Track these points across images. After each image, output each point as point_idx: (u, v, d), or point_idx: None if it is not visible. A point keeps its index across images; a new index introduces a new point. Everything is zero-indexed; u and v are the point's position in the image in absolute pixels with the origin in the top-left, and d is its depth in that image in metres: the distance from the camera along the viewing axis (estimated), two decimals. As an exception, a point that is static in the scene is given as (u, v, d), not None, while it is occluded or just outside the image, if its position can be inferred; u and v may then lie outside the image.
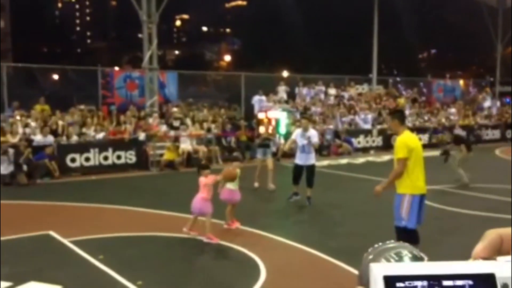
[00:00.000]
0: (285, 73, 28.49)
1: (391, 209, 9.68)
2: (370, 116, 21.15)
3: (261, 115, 18.35)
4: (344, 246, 7.30)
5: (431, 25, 50.76)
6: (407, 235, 5.62)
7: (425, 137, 22.14)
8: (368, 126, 20.63)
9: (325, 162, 16.68)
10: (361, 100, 23.07)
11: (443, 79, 29.57)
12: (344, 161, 17.22)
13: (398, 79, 29.55)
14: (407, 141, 5.82)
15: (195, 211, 7.36)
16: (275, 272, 6.15)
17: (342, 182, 13.43)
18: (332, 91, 23.44)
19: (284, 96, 21.71)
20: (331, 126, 19.60)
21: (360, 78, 26.32)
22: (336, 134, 19.25)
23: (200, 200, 7.31)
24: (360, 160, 17.62)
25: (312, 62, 45.36)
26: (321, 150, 18.59)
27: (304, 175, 10.09)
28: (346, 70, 28.82)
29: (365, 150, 19.72)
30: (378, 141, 20.45)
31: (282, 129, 17.80)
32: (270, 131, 17.53)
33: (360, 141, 19.94)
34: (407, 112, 22.89)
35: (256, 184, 11.58)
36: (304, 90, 22.87)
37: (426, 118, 23.43)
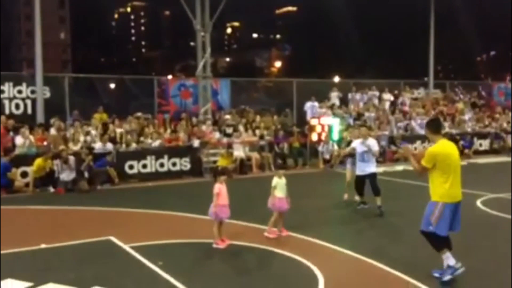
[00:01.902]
0: (336, 79, 28.17)
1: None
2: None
3: (313, 122, 18.23)
4: (404, 256, 7.08)
5: (489, 26, 48.75)
6: (437, 240, 5.95)
7: (486, 143, 21.24)
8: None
9: (381, 169, 16.21)
10: (417, 105, 22.41)
11: (504, 82, 28.25)
12: (400, 167, 16.75)
13: (456, 82, 28.48)
14: (437, 151, 5.93)
15: (218, 216, 7.41)
16: (333, 283, 6.03)
17: (399, 189, 13.06)
18: (387, 96, 22.92)
19: (337, 102, 21.45)
20: (386, 132, 19.15)
21: (416, 82, 25.62)
22: (391, 140, 18.78)
23: (218, 206, 7.35)
24: (418, 166, 17.05)
25: (365, 67, 44.68)
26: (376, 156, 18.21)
27: (368, 184, 9.96)
28: (400, 74, 28.10)
29: (422, 156, 19.09)
30: (436, 147, 19.75)
31: (335, 136, 17.58)
32: (323, 137, 17.40)
33: (416, 147, 19.36)
34: (466, 117, 22.06)
35: (345, 196, 11.09)
36: (357, 96, 22.50)
37: (486, 123, 22.44)
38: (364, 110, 21.00)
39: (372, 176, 9.90)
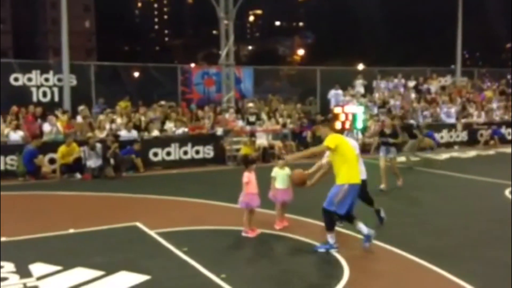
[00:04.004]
0: (360, 66, 27.84)
1: (478, 208, 9.20)
2: (453, 110, 20.14)
3: (337, 110, 18.04)
4: (430, 246, 6.99)
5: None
6: (331, 221, 6.72)
7: (515, 132, 20.74)
8: (451, 120, 19.66)
9: (403, 158, 16.08)
10: (444, 93, 21.99)
11: (534, 69, 27.46)
12: (426, 157, 16.50)
13: (483, 70, 27.81)
14: (336, 136, 6.84)
15: (248, 205, 7.40)
16: (359, 272, 5.99)
17: (424, 179, 12.87)
18: (412, 83, 22.55)
19: (361, 90, 21.20)
20: (412, 121, 18.85)
21: (443, 70, 25.10)
22: (417, 129, 18.46)
23: (248, 195, 7.34)
24: (444, 156, 16.82)
25: (390, 54, 43.95)
26: (401, 145, 17.97)
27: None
28: (427, 61, 27.59)
29: (448, 146, 18.83)
30: (463, 136, 19.45)
31: (359, 124, 17.38)
32: (347, 126, 17.22)
33: (443, 136, 19.07)
34: (494, 105, 21.58)
35: (382, 186, 10.77)
36: (382, 84, 22.19)
37: (515, 111, 21.89)
38: (389, 98, 20.71)
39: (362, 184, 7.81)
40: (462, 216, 8.74)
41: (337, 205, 6.53)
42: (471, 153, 17.44)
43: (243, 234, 7.43)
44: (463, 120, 19.75)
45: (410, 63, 27.29)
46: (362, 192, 7.50)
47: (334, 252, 6.63)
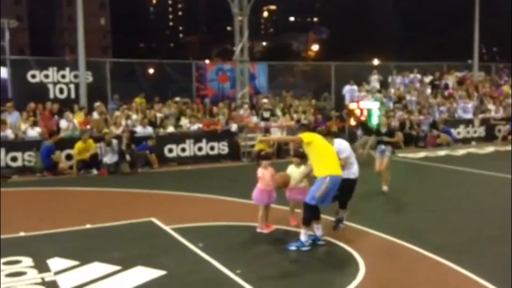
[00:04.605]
0: (376, 62, 27.59)
1: (495, 205, 9.07)
2: (470, 105, 19.88)
3: (352, 106, 17.94)
4: (447, 242, 6.94)
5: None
6: (311, 215, 6.66)
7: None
8: (469, 116, 19.41)
9: (422, 154, 16.01)
10: (461, 88, 21.71)
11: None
12: (442, 152, 16.36)
13: (501, 65, 27.37)
14: (312, 133, 7.04)
15: (261, 201, 7.41)
16: (375, 268, 5.96)
17: (441, 175, 12.75)
18: (428, 79, 22.29)
19: (377, 85, 21.02)
20: (428, 116, 18.68)
21: (459, 65, 24.76)
22: (434, 124, 18.31)
23: (259, 191, 7.34)
24: (461, 151, 16.62)
25: (405, 49, 43.49)
26: (417, 141, 17.83)
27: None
28: (443, 56, 27.25)
29: (465, 141, 18.60)
30: (480, 131, 19.20)
31: (374, 120, 17.25)
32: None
33: (460, 132, 18.84)
34: (512, 100, 21.25)
35: (384, 188, 10.22)
36: (398, 79, 21.98)
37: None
38: (405, 93, 20.52)
39: (346, 183, 7.16)
40: (479, 213, 8.63)
41: (318, 199, 6.50)
42: (489, 149, 17.21)
43: (258, 230, 7.43)
44: (481, 116, 19.48)
45: (426, 58, 26.98)
46: (346, 191, 7.23)
47: (349, 248, 6.60)
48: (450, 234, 7.41)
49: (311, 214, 6.61)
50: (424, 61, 25.31)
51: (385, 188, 10.21)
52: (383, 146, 10.23)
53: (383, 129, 10.54)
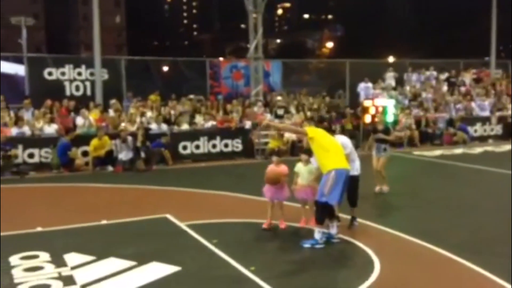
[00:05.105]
0: (391, 59, 27.38)
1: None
2: (487, 103, 19.62)
3: (367, 103, 17.81)
4: (464, 241, 6.86)
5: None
6: (324, 213, 6.61)
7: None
8: (485, 113, 19.17)
9: (438, 152, 15.85)
10: (478, 86, 21.43)
11: None
12: (458, 151, 16.18)
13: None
14: (315, 128, 7.05)
15: (273, 199, 7.42)
16: (390, 267, 5.91)
17: (457, 173, 12.62)
18: (444, 76, 22.05)
19: (392, 82, 20.86)
20: (444, 114, 18.49)
21: (476, 62, 24.45)
22: (450, 122, 18.11)
23: (268, 187, 7.35)
24: (477, 150, 16.42)
25: (421, 45, 43.04)
26: (433, 139, 17.66)
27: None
28: (459, 53, 26.90)
29: (482, 139, 18.38)
30: (497, 129, 18.96)
31: (390, 117, 17.11)
32: (377, 119, 16.97)
33: (477, 130, 18.62)
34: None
35: (376, 188, 9.98)
36: (414, 76, 21.78)
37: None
38: (421, 91, 20.33)
39: (350, 180, 7.03)
40: (496, 211, 8.52)
41: (327, 195, 6.42)
42: (506, 147, 16.97)
43: (263, 226, 7.42)
44: (498, 113, 19.23)
45: (443, 55, 26.68)
46: (350, 188, 7.14)
47: (364, 246, 6.56)
48: (466, 233, 7.32)
49: (323, 212, 6.57)
50: (440, 58, 25.04)
51: (378, 188, 9.88)
52: (381, 145, 9.94)
53: (379, 127, 10.20)
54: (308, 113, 17.54)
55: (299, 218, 7.66)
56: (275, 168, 7.40)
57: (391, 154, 10.42)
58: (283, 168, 7.39)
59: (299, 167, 7.46)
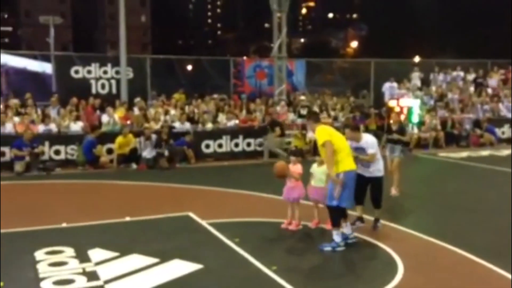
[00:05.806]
0: (417, 59, 26.97)
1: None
2: (516, 104, 19.14)
3: (392, 103, 17.60)
4: (489, 244, 6.74)
5: None
6: (337, 216, 6.56)
7: None
8: (514, 115, 18.70)
9: (464, 154, 15.56)
10: (506, 87, 20.94)
11: None
12: (485, 152, 15.85)
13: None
14: (324, 128, 6.67)
15: (288, 199, 7.42)
16: (413, 269, 5.84)
17: (484, 175, 12.37)
18: (471, 76, 21.61)
19: (418, 82, 20.55)
20: (471, 115, 18.12)
21: (504, 62, 23.89)
22: (477, 124, 17.74)
23: (285, 187, 7.36)
24: (505, 152, 16.03)
25: (448, 45, 42.29)
26: (459, 140, 17.34)
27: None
28: (487, 53, 26.33)
29: (510, 141, 17.92)
30: (526, 131, 18.46)
31: (415, 118, 16.88)
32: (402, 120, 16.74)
33: (504, 131, 18.18)
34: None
35: (393, 191, 9.59)
36: (440, 76, 21.41)
37: None
38: (447, 91, 19.97)
39: (375, 181, 7.30)
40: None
41: (338, 198, 6.37)
42: (535, 149, 16.55)
43: (282, 226, 7.41)
44: (527, 115, 18.74)
45: (470, 55, 26.12)
46: (375, 189, 7.27)
47: (387, 248, 6.48)
48: (492, 235, 7.18)
49: (337, 215, 6.53)
50: (467, 58, 24.53)
51: (394, 192, 9.50)
52: (393, 145, 9.66)
53: (394, 127, 9.85)
54: (332, 113, 17.42)
55: (325, 220, 7.63)
56: (283, 164, 7.42)
57: (405, 156, 10.08)
58: (297, 167, 7.36)
59: (314, 168, 7.47)
